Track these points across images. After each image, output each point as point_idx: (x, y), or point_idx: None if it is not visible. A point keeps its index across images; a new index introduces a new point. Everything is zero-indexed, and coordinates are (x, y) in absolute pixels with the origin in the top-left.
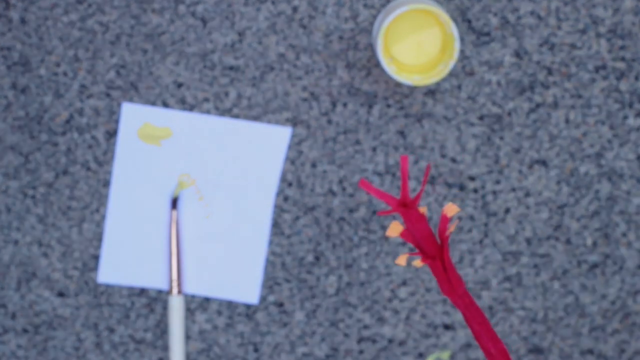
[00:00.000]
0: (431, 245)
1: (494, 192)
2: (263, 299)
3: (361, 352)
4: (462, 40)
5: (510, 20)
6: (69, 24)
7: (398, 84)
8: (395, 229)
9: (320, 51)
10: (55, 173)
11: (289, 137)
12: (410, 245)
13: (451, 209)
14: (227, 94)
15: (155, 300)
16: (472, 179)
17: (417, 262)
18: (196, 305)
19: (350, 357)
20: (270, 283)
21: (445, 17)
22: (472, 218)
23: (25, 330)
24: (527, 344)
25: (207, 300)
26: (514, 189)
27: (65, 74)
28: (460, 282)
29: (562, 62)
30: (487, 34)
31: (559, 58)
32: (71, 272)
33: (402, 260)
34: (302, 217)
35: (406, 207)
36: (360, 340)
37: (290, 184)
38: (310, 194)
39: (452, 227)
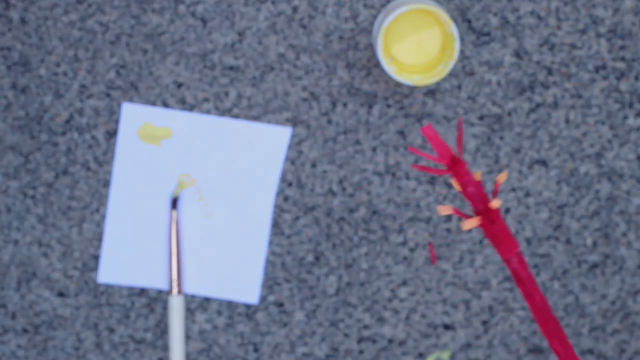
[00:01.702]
0: (486, 201)
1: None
2: (263, 299)
3: (361, 352)
4: (462, 40)
5: (510, 20)
6: (69, 24)
7: (398, 84)
8: (445, 208)
9: (320, 51)
10: (55, 173)
11: (289, 137)
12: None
13: (503, 176)
14: (227, 94)
15: (155, 300)
16: None
17: (469, 223)
18: (196, 305)
19: (350, 357)
20: (270, 283)
21: (445, 17)
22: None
23: (25, 330)
24: (527, 344)
25: (207, 300)
26: (514, 189)
27: (65, 74)
28: (513, 243)
29: (562, 62)
30: (487, 34)
31: (559, 58)
32: (71, 272)
33: (473, 222)
34: (302, 217)
35: (456, 164)
36: (360, 340)
37: (290, 184)
38: (310, 194)
39: (502, 176)
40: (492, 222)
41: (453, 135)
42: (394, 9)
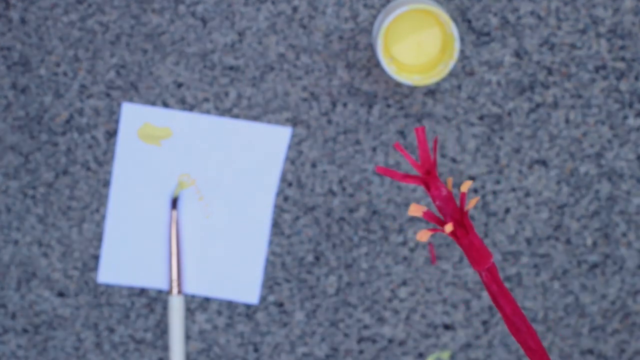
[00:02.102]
0: (455, 216)
1: (494, 192)
2: (263, 299)
3: (361, 352)
4: (462, 40)
5: (510, 20)
6: (69, 24)
7: (398, 84)
8: (416, 209)
9: (320, 51)
10: (55, 173)
11: (289, 137)
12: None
13: (466, 184)
14: (227, 94)
15: (155, 300)
16: (472, 179)
17: (421, 235)
18: (196, 305)
19: (350, 357)
20: (270, 283)
21: (445, 17)
22: (472, 218)
23: (25, 330)
24: None
25: (207, 300)
26: (514, 189)
27: (65, 74)
28: (485, 256)
29: (562, 62)
30: (487, 34)
31: (559, 58)
32: (71, 272)
33: (423, 235)
34: (302, 217)
35: (429, 175)
36: (360, 340)
37: (290, 184)
38: (310, 194)
39: (473, 202)
40: (457, 237)
41: (453, 136)
42: (394, 9)
